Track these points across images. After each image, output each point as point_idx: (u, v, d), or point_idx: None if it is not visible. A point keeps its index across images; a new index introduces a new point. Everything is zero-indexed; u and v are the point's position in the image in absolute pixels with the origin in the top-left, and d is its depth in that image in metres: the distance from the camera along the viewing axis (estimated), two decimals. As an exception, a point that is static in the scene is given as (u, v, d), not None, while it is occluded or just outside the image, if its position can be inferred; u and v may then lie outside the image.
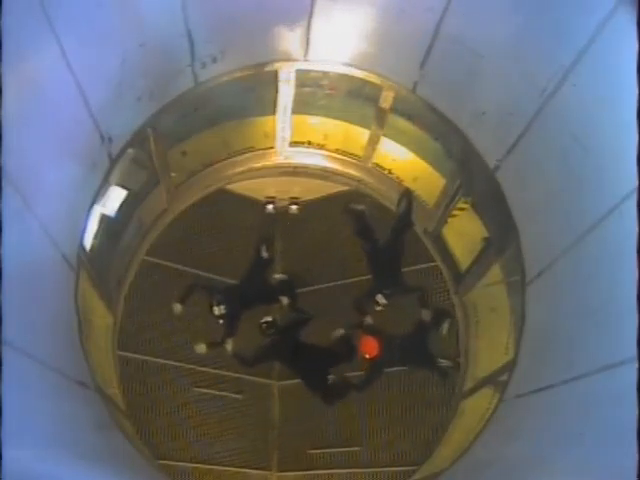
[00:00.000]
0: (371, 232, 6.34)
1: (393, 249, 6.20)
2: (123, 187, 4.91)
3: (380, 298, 6.08)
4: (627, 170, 2.85)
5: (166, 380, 5.96)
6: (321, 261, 6.44)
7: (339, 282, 6.36)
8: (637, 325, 2.59)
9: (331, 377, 5.97)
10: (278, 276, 6.40)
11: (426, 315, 6.14)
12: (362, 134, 6.00)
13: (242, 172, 6.37)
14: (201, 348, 6.04)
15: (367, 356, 5.87)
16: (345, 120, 5.94)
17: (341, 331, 6.05)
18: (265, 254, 6.33)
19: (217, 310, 5.91)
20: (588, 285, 3.58)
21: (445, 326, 6.13)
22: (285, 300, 6.26)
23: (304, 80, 5.34)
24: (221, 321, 5.99)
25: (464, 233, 5.87)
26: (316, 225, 6.62)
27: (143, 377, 5.89)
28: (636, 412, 2.44)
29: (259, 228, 6.57)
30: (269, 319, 6.06)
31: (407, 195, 6.18)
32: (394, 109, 5.43)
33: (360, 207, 6.46)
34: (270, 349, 6.04)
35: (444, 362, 5.92)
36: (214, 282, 6.22)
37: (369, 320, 6.14)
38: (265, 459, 6.06)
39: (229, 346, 6.05)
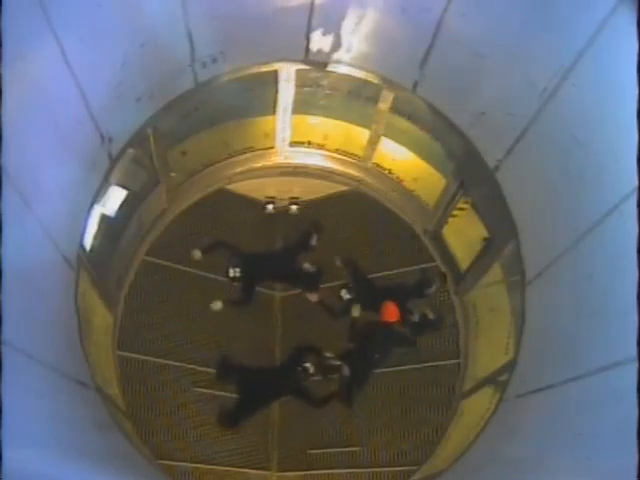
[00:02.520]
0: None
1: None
2: (123, 187, 4.91)
3: (344, 293, 6.14)
4: (627, 170, 2.86)
5: (166, 380, 5.95)
6: (320, 261, 6.43)
7: (339, 282, 6.35)
8: (637, 325, 2.59)
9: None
10: (307, 266, 6.34)
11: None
12: (362, 134, 6.01)
13: (242, 172, 6.37)
14: (217, 305, 6.11)
15: (389, 320, 5.84)
16: (345, 120, 5.95)
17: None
18: (314, 242, 6.32)
19: (232, 272, 6.01)
20: (588, 285, 3.57)
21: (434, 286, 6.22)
22: (314, 297, 6.25)
23: (304, 80, 5.34)
24: (235, 284, 6.08)
25: (464, 233, 5.87)
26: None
27: (143, 377, 5.88)
28: (636, 412, 2.44)
29: (261, 228, 6.59)
30: (337, 363, 5.93)
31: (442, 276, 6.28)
32: (394, 109, 5.43)
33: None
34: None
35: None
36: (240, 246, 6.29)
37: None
38: (265, 459, 6.05)
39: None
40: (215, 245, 6.25)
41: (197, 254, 6.22)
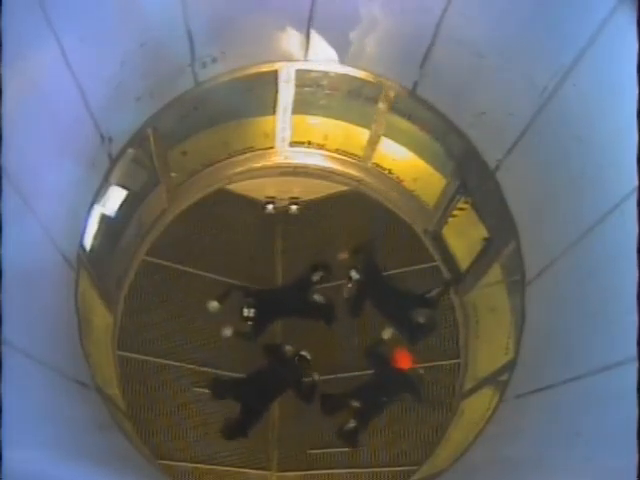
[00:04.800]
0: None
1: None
2: (123, 187, 4.91)
3: (354, 274, 6.14)
4: (627, 170, 2.86)
5: (166, 380, 5.96)
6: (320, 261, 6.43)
7: (338, 283, 6.36)
8: (637, 325, 2.59)
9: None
10: (317, 297, 6.27)
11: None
12: (362, 134, 6.00)
13: (242, 172, 6.37)
14: (228, 331, 6.10)
15: (402, 367, 5.82)
16: (345, 120, 5.94)
17: None
18: (317, 278, 6.26)
19: (246, 312, 5.96)
20: (588, 285, 3.58)
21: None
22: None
23: (304, 80, 5.34)
24: (250, 323, 6.02)
25: (464, 233, 5.86)
26: (316, 225, 6.61)
27: (143, 377, 5.88)
28: (636, 412, 2.44)
29: (261, 228, 6.58)
30: (305, 355, 5.94)
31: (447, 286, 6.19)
32: (394, 109, 5.43)
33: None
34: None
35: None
36: (251, 286, 6.26)
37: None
38: (265, 459, 6.06)
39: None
40: (229, 291, 6.20)
41: (214, 305, 6.16)
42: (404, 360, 5.82)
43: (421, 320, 6.08)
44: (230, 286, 6.22)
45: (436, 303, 6.15)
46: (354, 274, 6.16)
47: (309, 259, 6.41)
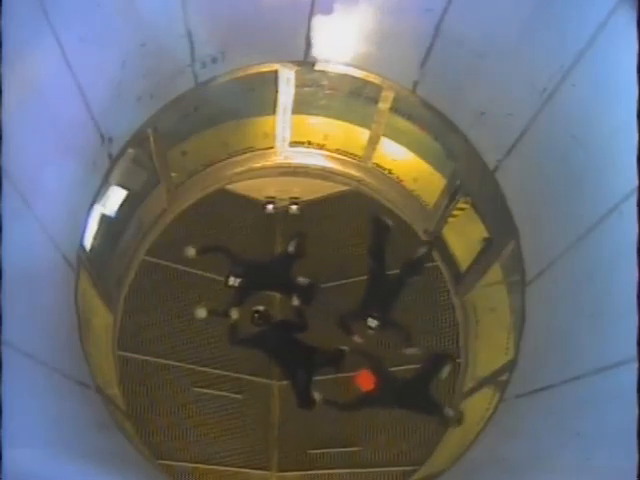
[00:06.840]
0: (383, 253, 6.20)
1: (396, 282, 6.13)
2: (123, 187, 4.92)
3: (371, 321, 5.87)
4: (627, 170, 2.85)
5: (166, 380, 5.96)
6: (320, 261, 6.43)
7: (338, 282, 6.36)
8: (637, 325, 2.60)
9: (317, 395, 5.86)
10: (301, 279, 6.22)
11: (411, 351, 5.96)
12: (362, 134, 6.01)
13: (242, 172, 6.37)
14: (202, 312, 6.03)
15: (365, 389, 5.64)
16: (345, 120, 5.95)
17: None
18: (292, 249, 6.22)
19: (232, 281, 5.93)
20: (588, 285, 3.58)
21: (446, 370, 5.97)
22: (296, 301, 6.11)
23: (304, 80, 5.35)
24: (231, 291, 5.99)
25: (464, 233, 5.87)
26: (316, 225, 6.61)
27: (143, 377, 5.88)
28: (636, 412, 2.44)
29: (261, 228, 6.59)
30: (261, 309, 5.94)
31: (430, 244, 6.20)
32: (394, 109, 5.43)
33: (389, 222, 6.32)
34: (259, 339, 5.93)
35: (449, 411, 5.65)
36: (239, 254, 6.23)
37: (358, 339, 5.98)
38: (265, 459, 6.06)
39: (234, 314, 5.95)
40: (214, 249, 6.13)
41: (191, 251, 6.10)
42: (367, 382, 5.63)
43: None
44: (218, 246, 6.13)
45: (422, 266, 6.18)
46: (371, 322, 5.87)
47: (308, 258, 6.40)
